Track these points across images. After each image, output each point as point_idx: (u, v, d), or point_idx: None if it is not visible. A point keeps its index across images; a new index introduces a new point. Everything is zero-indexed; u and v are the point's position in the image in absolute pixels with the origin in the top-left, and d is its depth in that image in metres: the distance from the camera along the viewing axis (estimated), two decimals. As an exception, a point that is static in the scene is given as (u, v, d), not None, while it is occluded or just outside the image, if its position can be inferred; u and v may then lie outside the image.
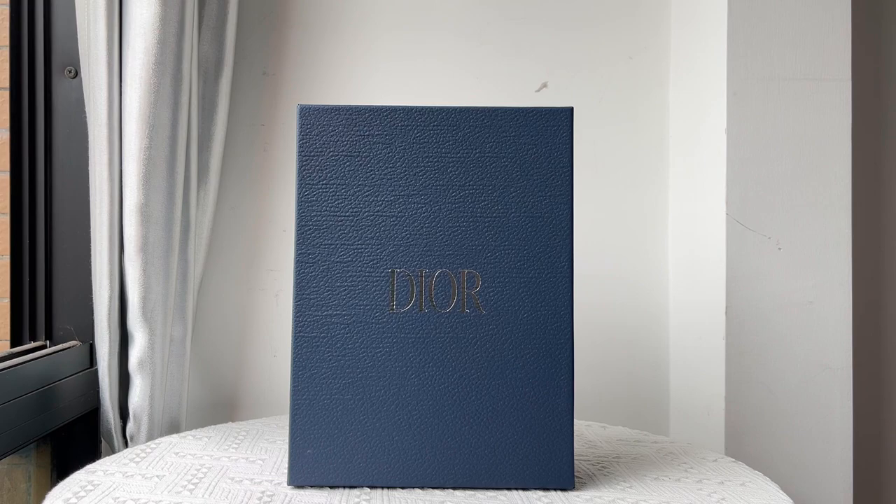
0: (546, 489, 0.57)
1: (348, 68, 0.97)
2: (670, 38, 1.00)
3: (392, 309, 0.56)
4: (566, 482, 0.57)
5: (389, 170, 0.57)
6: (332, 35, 0.97)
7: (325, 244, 0.56)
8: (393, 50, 0.97)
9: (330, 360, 0.56)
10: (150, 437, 0.80)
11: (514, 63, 0.98)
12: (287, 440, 0.72)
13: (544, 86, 0.98)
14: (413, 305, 0.56)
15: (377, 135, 0.57)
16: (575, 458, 0.68)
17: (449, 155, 0.57)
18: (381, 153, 0.57)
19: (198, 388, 0.96)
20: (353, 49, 0.97)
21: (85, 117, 0.83)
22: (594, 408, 0.97)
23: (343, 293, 0.56)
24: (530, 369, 0.56)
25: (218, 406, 0.96)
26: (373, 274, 0.56)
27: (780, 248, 0.87)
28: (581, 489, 0.59)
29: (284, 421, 0.80)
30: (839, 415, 0.86)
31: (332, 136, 0.57)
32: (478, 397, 0.56)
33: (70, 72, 0.86)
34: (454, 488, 0.57)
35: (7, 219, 0.87)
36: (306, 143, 0.57)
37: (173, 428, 0.84)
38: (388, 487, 0.57)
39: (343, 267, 0.56)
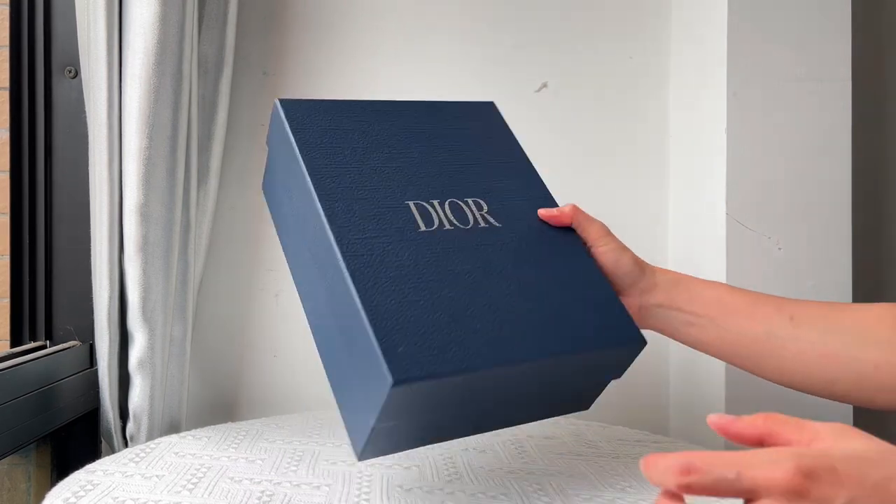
0: (620, 347, 0.58)
1: (348, 68, 0.97)
2: (670, 39, 1.00)
3: (420, 228, 0.58)
4: (634, 338, 0.58)
5: (378, 136, 0.62)
6: (333, 35, 0.97)
7: (343, 187, 0.58)
8: (393, 50, 0.97)
9: (383, 269, 0.55)
10: (150, 437, 0.80)
11: (514, 63, 0.98)
12: (285, 438, 0.72)
13: (544, 86, 0.98)
14: (438, 225, 0.58)
15: (356, 120, 0.63)
16: (575, 457, 0.68)
17: (423, 133, 0.64)
18: (367, 128, 0.62)
19: (198, 388, 0.96)
20: (354, 49, 0.97)
21: (85, 117, 0.83)
22: (594, 408, 0.97)
23: (373, 221, 0.57)
24: (552, 263, 0.59)
25: (218, 406, 0.96)
26: (393, 206, 0.58)
27: (780, 248, 0.87)
28: (581, 489, 0.59)
29: (284, 421, 0.81)
30: (839, 415, 0.86)
31: (318, 120, 0.61)
32: (525, 279, 0.58)
33: (70, 72, 0.87)
34: (538, 358, 0.54)
35: (7, 219, 0.87)
36: (295, 123, 0.60)
37: (173, 428, 0.84)
38: (482, 369, 0.53)
39: (364, 203, 0.58)
